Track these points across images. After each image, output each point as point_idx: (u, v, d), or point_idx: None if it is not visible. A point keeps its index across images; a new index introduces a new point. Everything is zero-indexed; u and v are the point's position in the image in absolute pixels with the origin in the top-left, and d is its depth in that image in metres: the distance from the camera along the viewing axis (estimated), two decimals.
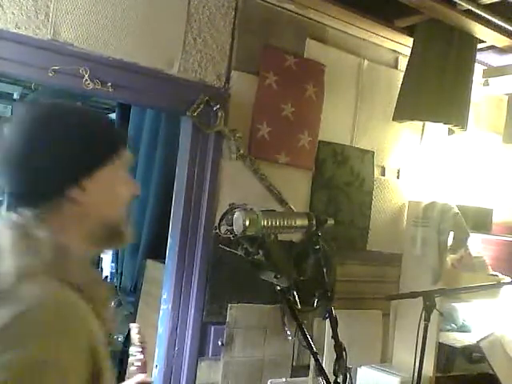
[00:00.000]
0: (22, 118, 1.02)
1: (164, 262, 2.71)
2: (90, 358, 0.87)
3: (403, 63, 3.15)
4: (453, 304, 3.34)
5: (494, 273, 3.43)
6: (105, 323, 0.97)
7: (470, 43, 3.00)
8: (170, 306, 2.58)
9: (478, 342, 3.05)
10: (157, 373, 2.60)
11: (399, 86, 3.04)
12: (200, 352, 2.64)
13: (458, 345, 3.17)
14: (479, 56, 3.16)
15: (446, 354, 3.09)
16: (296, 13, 2.86)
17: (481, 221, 3.27)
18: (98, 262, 4.30)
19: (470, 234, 3.14)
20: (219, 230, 1.69)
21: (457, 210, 3.11)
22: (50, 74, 2.18)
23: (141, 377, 1.35)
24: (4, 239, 0.94)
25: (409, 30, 3.05)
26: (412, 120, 3.09)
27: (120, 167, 1.06)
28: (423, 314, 2.47)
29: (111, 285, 1.04)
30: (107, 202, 1.04)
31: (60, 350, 0.83)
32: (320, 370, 1.61)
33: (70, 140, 0.99)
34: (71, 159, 0.99)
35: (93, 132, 1.03)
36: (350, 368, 1.74)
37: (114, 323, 1.03)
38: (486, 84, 3.57)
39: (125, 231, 1.08)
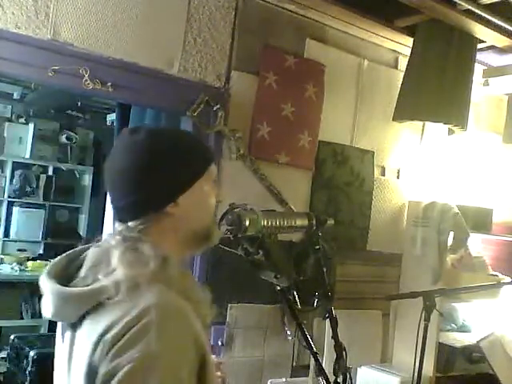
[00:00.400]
0: (127, 142, 1.15)
1: None
2: (197, 352, 1.02)
3: (403, 63, 3.16)
4: (453, 304, 3.34)
5: (494, 273, 3.43)
6: (204, 319, 1.11)
7: (470, 43, 3.00)
8: None
9: (478, 342, 3.05)
10: None
11: (399, 86, 3.04)
12: None
13: (458, 345, 3.17)
14: (479, 56, 3.16)
15: (446, 353, 3.09)
16: (296, 13, 2.86)
17: (481, 221, 3.27)
18: None
19: (470, 233, 3.13)
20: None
21: (457, 210, 3.11)
22: (50, 74, 2.18)
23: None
24: (112, 251, 1.08)
25: (409, 30, 3.05)
26: (412, 120, 3.09)
27: (208, 179, 1.19)
28: (423, 314, 2.47)
29: (206, 288, 1.13)
30: (197, 212, 1.18)
31: (175, 345, 0.99)
32: (320, 370, 1.61)
33: (169, 163, 1.13)
34: (170, 180, 1.13)
35: (189, 154, 1.16)
36: (350, 368, 1.74)
37: (211, 318, 1.15)
38: (486, 84, 3.57)
39: (212, 234, 1.23)
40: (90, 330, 1.02)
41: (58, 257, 1.18)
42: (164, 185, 1.13)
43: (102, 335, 0.98)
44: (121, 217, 1.16)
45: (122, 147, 1.16)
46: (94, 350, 0.99)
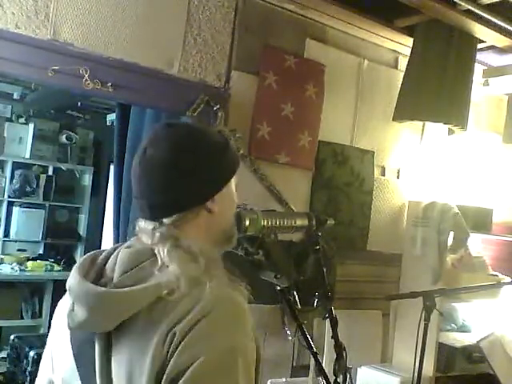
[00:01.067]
0: (166, 137, 1.12)
1: None
2: (255, 347, 1.05)
3: (403, 63, 3.16)
4: (453, 304, 3.34)
5: (494, 273, 3.43)
6: None
7: (470, 43, 3.00)
8: None
9: (478, 342, 3.05)
10: None
11: (399, 86, 3.04)
12: None
13: (458, 345, 3.16)
14: (479, 56, 3.16)
15: (446, 354, 3.09)
16: (296, 13, 2.86)
17: (481, 221, 3.27)
18: None
19: (470, 233, 3.13)
20: None
21: (457, 210, 3.11)
22: (50, 74, 2.18)
23: None
24: (156, 249, 1.06)
25: (409, 30, 3.05)
26: (412, 120, 3.09)
27: (234, 180, 1.19)
28: (423, 314, 2.47)
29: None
30: (228, 211, 1.19)
31: (243, 339, 1.01)
32: (320, 370, 1.61)
33: (211, 161, 1.12)
34: (212, 177, 1.13)
35: (226, 152, 1.17)
36: (350, 368, 1.74)
37: None
38: (486, 84, 3.57)
39: (234, 237, 1.25)
40: (149, 327, 0.98)
41: (83, 257, 1.13)
42: (206, 179, 1.11)
43: (173, 327, 0.96)
44: (155, 214, 1.10)
45: (162, 141, 1.11)
46: (163, 342, 0.96)
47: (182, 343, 0.95)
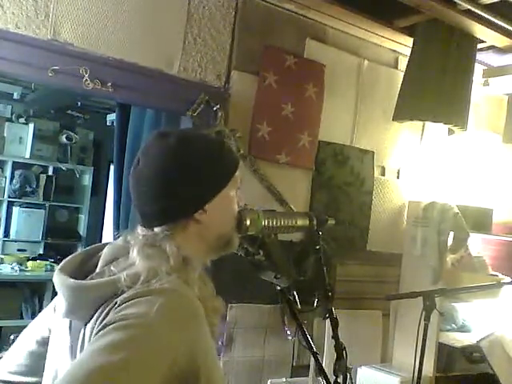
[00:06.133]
0: (156, 147, 1.14)
1: None
2: (193, 347, 0.98)
3: (403, 63, 3.15)
4: (453, 304, 3.34)
5: (494, 273, 3.44)
6: (213, 329, 1.09)
7: (470, 43, 3.00)
8: None
9: (478, 342, 3.05)
10: None
11: (399, 86, 3.04)
12: None
13: (458, 345, 3.16)
14: (479, 56, 3.16)
15: (446, 354, 3.09)
16: (296, 13, 2.86)
17: (481, 221, 3.27)
18: None
19: (470, 233, 3.13)
20: None
21: (457, 210, 3.11)
22: (50, 74, 2.18)
23: None
24: (134, 248, 1.09)
25: (409, 30, 3.05)
26: (412, 120, 3.09)
27: (233, 186, 1.19)
28: (423, 314, 2.47)
29: (221, 299, 1.14)
30: (223, 218, 1.19)
31: (170, 332, 0.95)
32: (320, 370, 1.61)
33: (199, 171, 1.13)
34: (200, 188, 1.13)
35: (217, 161, 1.16)
36: (350, 368, 1.74)
37: (218, 331, 1.15)
38: (486, 84, 3.57)
39: (234, 240, 1.25)
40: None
41: (72, 254, 1.18)
42: (193, 192, 1.12)
43: (112, 305, 0.99)
44: (146, 222, 1.15)
45: (151, 152, 1.14)
46: (96, 322, 1.00)
47: (116, 310, 0.97)
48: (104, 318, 0.99)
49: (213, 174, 1.15)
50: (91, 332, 1.01)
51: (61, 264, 1.14)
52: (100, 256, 1.14)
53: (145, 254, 1.06)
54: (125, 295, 0.99)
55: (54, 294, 1.16)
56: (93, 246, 1.21)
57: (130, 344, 0.91)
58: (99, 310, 1.02)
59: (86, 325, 1.04)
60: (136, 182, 1.15)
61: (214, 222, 1.16)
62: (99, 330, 0.95)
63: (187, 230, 1.14)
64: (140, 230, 1.15)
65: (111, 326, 0.93)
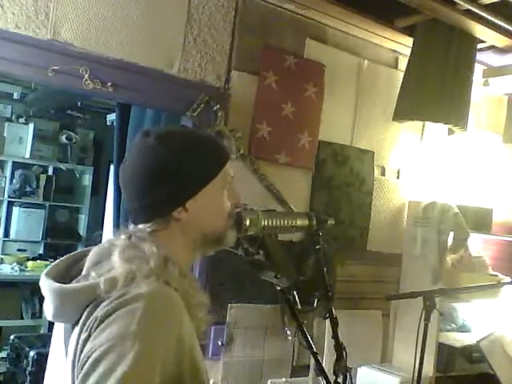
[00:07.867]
0: (139, 146, 1.16)
1: None
2: (177, 347, 0.99)
3: (403, 63, 3.15)
4: (453, 304, 3.34)
5: (494, 273, 3.43)
6: (199, 324, 1.10)
7: (470, 43, 3.00)
8: None
9: (478, 341, 3.05)
10: None
11: (399, 86, 3.04)
12: None
13: (458, 345, 3.16)
14: (479, 56, 3.16)
15: (446, 354, 3.08)
16: (296, 13, 2.86)
17: (481, 221, 3.27)
18: None
19: (470, 233, 3.13)
20: None
21: (457, 210, 3.11)
22: (50, 74, 2.17)
23: None
24: (113, 249, 1.09)
25: (409, 30, 3.05)
26: (412, 120, 3.09)
27: (220, 181, 1.17)
28: (423, 314, 2.47)
29: (206, 292, 1.14)
30: (208, 216, 1.17)
31: (155, 334, 0.96)
32: (320, 370, 1.61)
33: (176, 169, 1.12)
34: (177, 186, 1.13)
35: (198, 158, 1.14)
36: (350, 368, 1.74)
37: (206, 325, 1.14)
38: (486, 84, 3.57)
39: (225, 236, 1.22)
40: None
41: (60, 258, 1.18)
42: (170, 190, 1.12)
43: (93, 319, 0.99)
44: (133, 219, 1.18)
45: (134, 151, 1.16)
46: (81, 332, 1.00)
47: (95, 331, 0.97)
48: (89, 327, 0.99)
49: (191, 172, 1.13)
50: (79, 336, 1.02)
51: (47, 268, 1.15)
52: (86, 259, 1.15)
53: (125, 257, 1.06)
54: (104, 309, 0.99)
55: None
56: (80, 250, 1.23)
57: (123, 368, 0.91)
58: (84, 314, 1.03)
59: (73, 327, 1.06)
60: (120, 180, 1.19)
61: (198, 219, 1.15)
62: (86, 355, 0.94)
63: (169, 228, 1.15)
64: (131, 227, 1.18)
65: (97, 355, 0.92)
